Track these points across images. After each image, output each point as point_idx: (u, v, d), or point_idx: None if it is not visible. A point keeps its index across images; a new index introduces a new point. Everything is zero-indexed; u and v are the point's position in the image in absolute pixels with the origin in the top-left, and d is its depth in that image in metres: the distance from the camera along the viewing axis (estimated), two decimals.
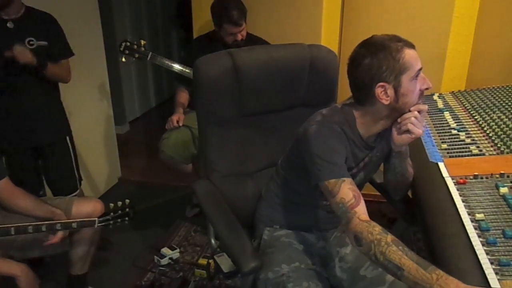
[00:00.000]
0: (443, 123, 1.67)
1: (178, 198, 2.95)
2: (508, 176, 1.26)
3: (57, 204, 1.76)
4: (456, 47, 2.38)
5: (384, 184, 1.46)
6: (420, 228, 1.33)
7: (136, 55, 2.32)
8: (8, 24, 1.87)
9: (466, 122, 1.65)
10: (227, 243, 1.30)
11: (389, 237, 1.03)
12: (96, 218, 1.68)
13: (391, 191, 1.47)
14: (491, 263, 0.95)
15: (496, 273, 0.93)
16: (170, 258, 2.31)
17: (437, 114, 1.77)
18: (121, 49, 2.30)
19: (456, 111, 1.77)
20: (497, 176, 1.27)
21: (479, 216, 1.10)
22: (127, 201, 1.74)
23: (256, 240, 1.47)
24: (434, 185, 1.30)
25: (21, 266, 1.54)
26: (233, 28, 2.27)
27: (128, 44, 2.30)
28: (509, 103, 1.72)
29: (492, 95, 1.85)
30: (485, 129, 1.56)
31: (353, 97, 1.27)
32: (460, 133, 1.56)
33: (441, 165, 1.37)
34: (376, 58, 1.15)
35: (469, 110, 1.75)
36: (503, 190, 1.18)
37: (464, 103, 1.82)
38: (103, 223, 1.70)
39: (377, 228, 1.06)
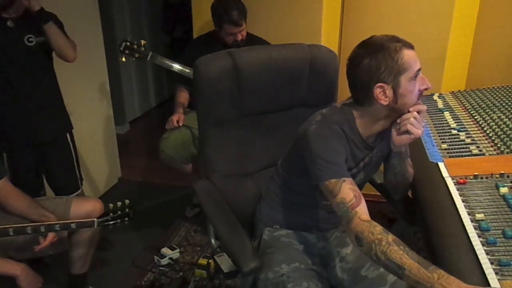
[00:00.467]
0: (443, 123, 1.67)
1: (178, 198, 2.95)
2: (508, 176, 1.26)
3: (56, 203, 1.76)
4: (456, 47, 2.38)
5: (384, 184, 1.46)
6: (420, 228, 1.33)
7: (136, 55, 2.32)
8: (8, 23, 1.88)
9: (466, 122, 1.65)
10: (227, 243, 1.30)
11: (390, 237, 1.03)
12: (95, 219, 1.68)
13: (391, 191, 1.47)
14: (491, 263, 0.96)
15: (496, 273, 0.93)
16: (170, 258, 2.31)
17: (437, 114, 1.77)
18: (121, 49, 2.30)
19: (456, 111, 1.77)
20: (497, 176, 1.27)
21: (479, 216, 1.10)
22: (127, 201, 1.74)
23: (256, 240, 1.46)
24: (434, 185, 1.30)
25: (21, 266, 1.54)
26: (233, 28, 2.27)
27: (128, 44, 2.30)
28: (509, 103, 1.72)
29: (492, 95, 1.85)
30: (485, 129, 1.56)
31: (352, 97, 1.27)
32: (460, 133, 1.56)
33: (441, 165, 1.37)
34: (374, 59, 1.15)
35: (469, 110, 1.75)
36: (503, 190, 1.18)
37: (464, 103, 1.82)
38: (102, 224, 1.69)
39: (378, 228, 1.06)
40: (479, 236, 1.04)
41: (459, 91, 2.01)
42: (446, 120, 1.70)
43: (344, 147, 1.23)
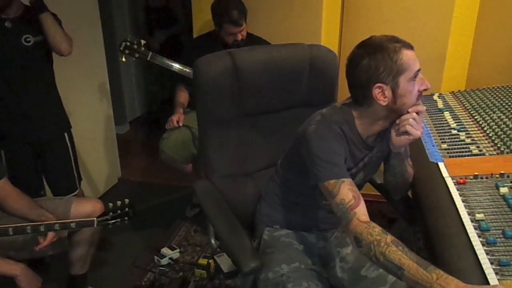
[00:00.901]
0: (443, 123, 1.67)
1: (178, 198, 2.95)
2: (508, 176, 1.26)
3: (56, 204, 1.75)
4: (456, 47, 2.37)
5: (384, 184, 1.46)
6: (420, 228, 1.33)
7: (136, 55, 2.32)
8: (6, 24, 1.88)
9: (466, 122, 1.65)
10: (227, 243, 1.30)
11: (389, 238, 1.03)
12: (95, 218, 1.67)
13: (391, 191, 1.47)
14: (491, 263, 0.96)
15: (496, 273, 0.93)
16: (170, 258, 2.31)
17: (437, 114, 1.77)
18: (121, 49, 2.30)
19: (456, 111, 1.77)
20: (497, 176, 1.27)
21: (479, 216, 1.10)
22: (127, 200, 1.73)
23: (256, 240, 1.46)
24: (434, 185, 1.30)
25: (21, 266, 1.54)
26: (233, 28, 2.27)
27: (128, 44, 2.30)
28: (509, 103, 1.72)
29: (492, 95, 1.85)
30: (485, 129, 1.56)
31: (351, 97, 1.27)
32: (460, 133, 1.56)
33: (441, 165, 1.37)
34: (373, 59, 1.15)
35: (469, 110, 1.75)
36: (503, 190, 1.18)
37: (464, 103, 1.82)
38: (102, 223, 1.69)
39: (376, 229, 1.06)
40: (479, 236, 1.04)
41: (459, 91, 2.01)
42: (446, 120, 1.70)
43: (343, 148, 1.23)
